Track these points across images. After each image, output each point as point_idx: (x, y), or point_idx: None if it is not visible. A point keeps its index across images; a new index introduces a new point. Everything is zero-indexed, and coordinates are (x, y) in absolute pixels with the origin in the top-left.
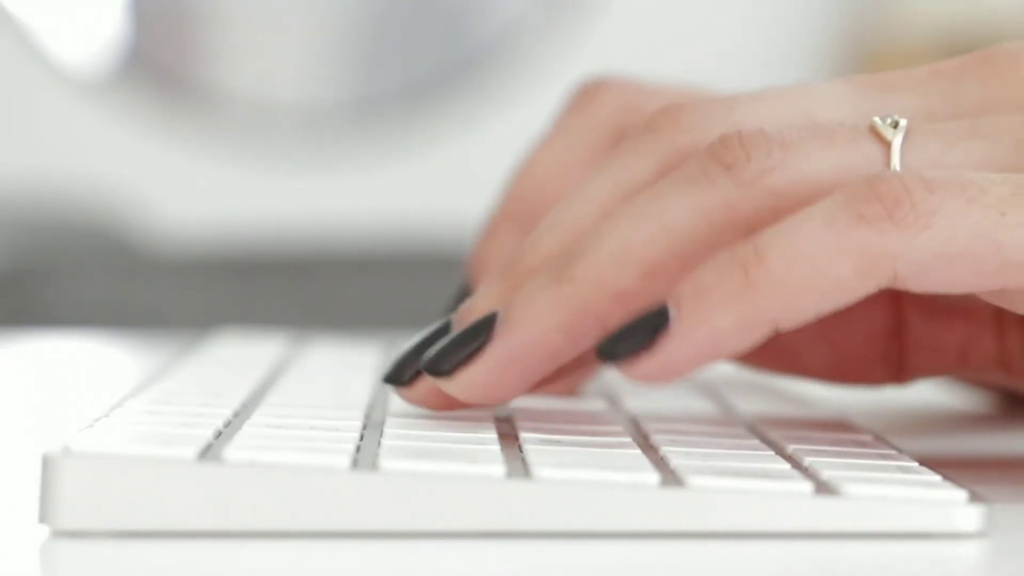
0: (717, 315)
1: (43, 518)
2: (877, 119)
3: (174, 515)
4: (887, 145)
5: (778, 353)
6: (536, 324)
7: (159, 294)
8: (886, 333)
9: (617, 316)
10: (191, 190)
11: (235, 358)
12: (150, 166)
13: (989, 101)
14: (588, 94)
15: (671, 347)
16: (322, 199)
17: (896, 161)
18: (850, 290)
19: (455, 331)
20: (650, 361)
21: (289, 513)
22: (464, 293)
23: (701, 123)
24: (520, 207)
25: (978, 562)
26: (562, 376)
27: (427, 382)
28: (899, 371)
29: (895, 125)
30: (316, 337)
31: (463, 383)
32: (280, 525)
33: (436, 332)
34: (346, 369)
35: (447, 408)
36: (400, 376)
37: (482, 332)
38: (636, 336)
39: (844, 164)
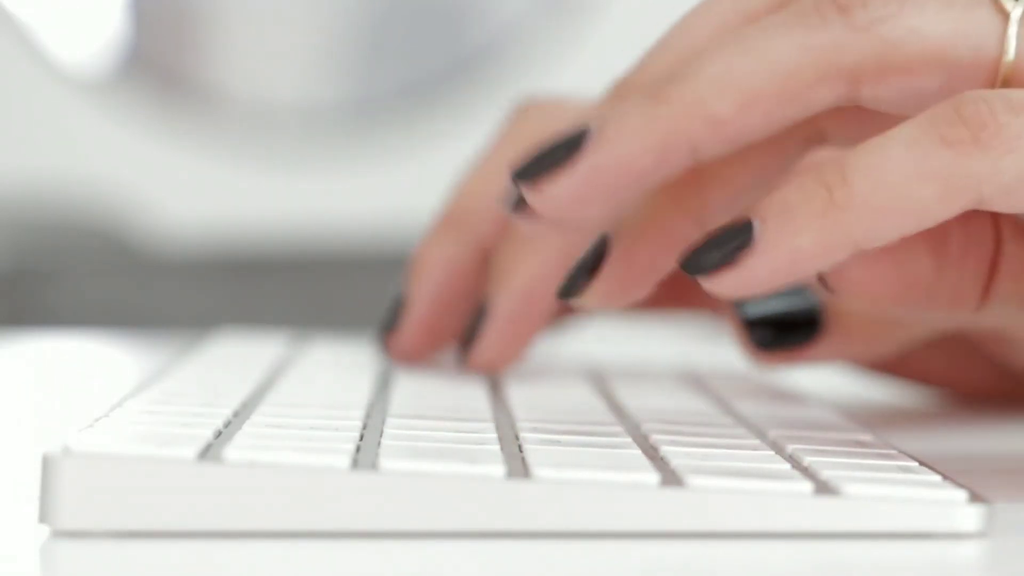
0: (800, 235)
1: (43, 518)
2: None
3: (174, 515)
4: (1005, 16)
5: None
6: (627, 141)
7: (159, 294)
8: (989, 248)
9: (709, 143)
10: (191, 190)
11: (235, 358)
12: (150, 166)
13: None
14: (519, 111)
15: (753, 263)
16: (322, 199)
17: (1012, 38)
18: (934, 213)
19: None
20: (732, 275)
21: (289, 513)
22: (397, 303)
23: None
24: (460, 214)
25: (978, 562)
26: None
27: (562, 184)
28: (987, 291)
29: None
30: (316, 337)
31: (547, 194)
32: (280, 525)
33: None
34: (346, 369)
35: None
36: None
37: (574, 144)
38: (720, 249)
39: (959, 29)
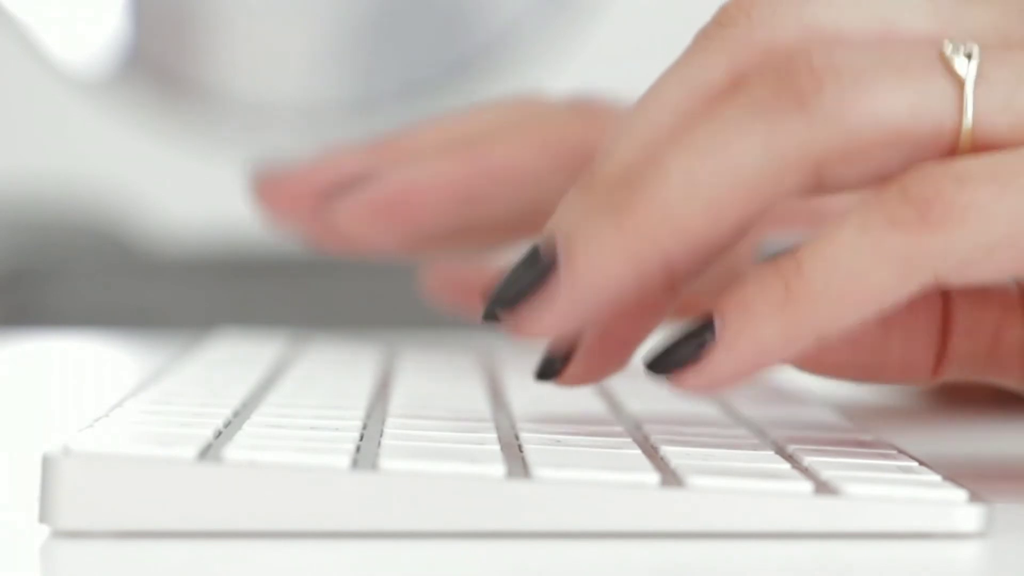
0: (761, 328)
1: (43, 518)
2: (950, 47)
3: (174, 515)
4: (960, 83)
5: (855, 364)
6: (601, 258)
7: (159, 294)
8: (937, 320)
9: (682, 255)
10: (191, 190)
11: (235, 358)
12: (150, 166)
13: None
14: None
15: (717, 360)
16: None
17: (969, 103)
18: (891, 295)
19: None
20: (697, 373)
21: (289, 513)
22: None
23: (774, 17)
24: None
25: (978, 562)
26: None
27: (535, 313)
28: (938, 361)
29: (968, 55)
30: (316, 337)
31: (527, 321)
32: (280, 525)
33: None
34: (346, 369)
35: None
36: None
37: (547, 268)
38: (682, 350)
39: (917, 104)
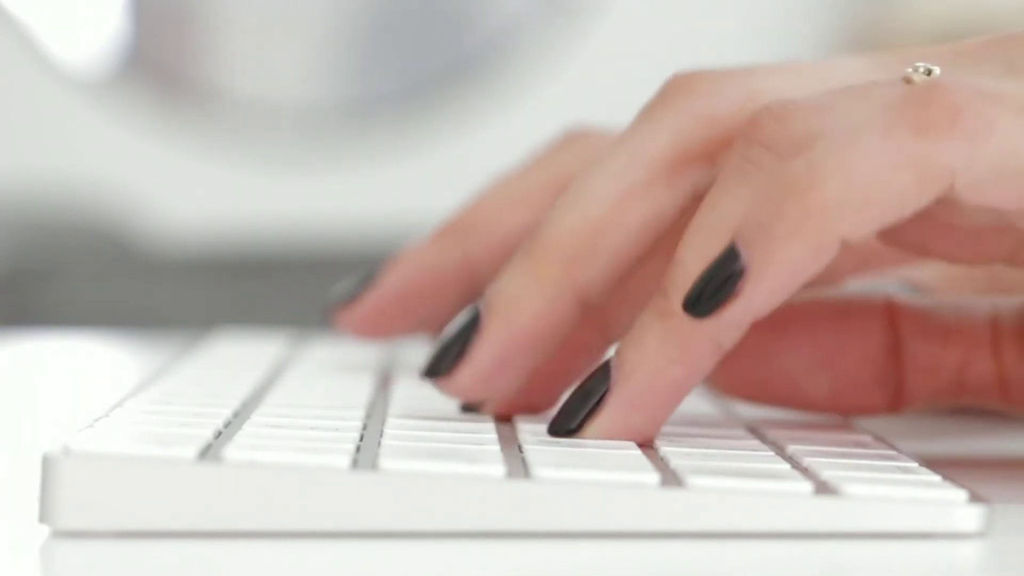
0: (788, 247)
1: (43, 518)
2: (910, 68)
3: (174, 515)
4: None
5: (776, 386)
6: (653, 363)
7: (159, 294)
8: (883, 353)
9: (728, 338)
10: (191, 190)
11: (235, 358)
12: (150, 166)
13: (1013, 68)
14: (566, 138)
15: (751, 290)
16: (321, 199)
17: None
18: (912, 201)
19: (487, 328)
20: (735, 308)
21: (289, 513)
22: (364, 279)
23: (716, 89)
24: (460, 226)
25: (978, 562)
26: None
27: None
28: (897, 396)
29: (928, 72)
30: (316, 337)
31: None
32: (280, 525)
33: (468, 322)
34: (346, 369)
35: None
36: (439, 367)
37: (601, 384)
38: (715, 288)
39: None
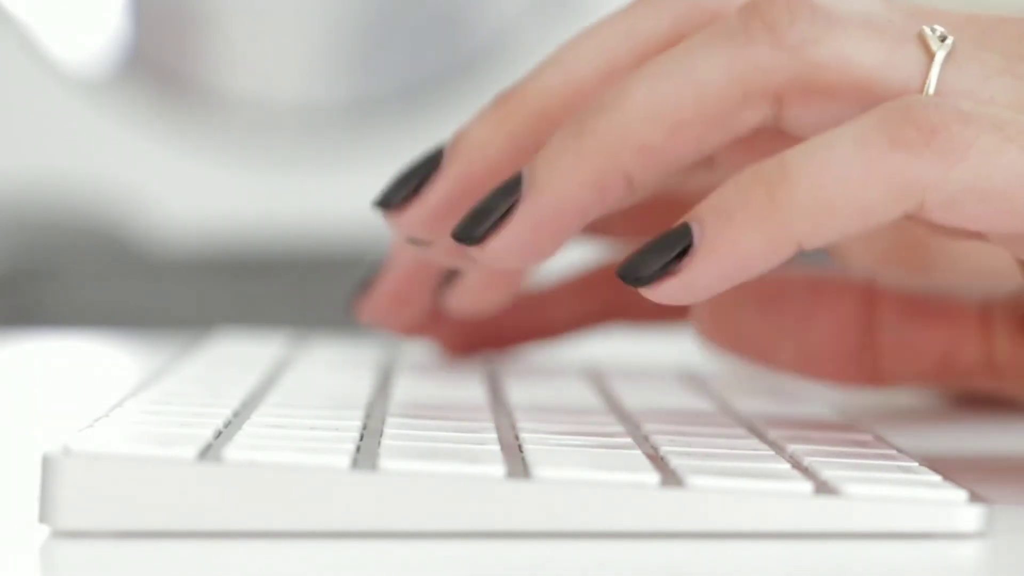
0: (742, 235)
1: (43, 518)
2: (927, 28)
3: (174, 515)
4: (931, 56)
5: (748, 342)
6: (562, 183)
7: (159, 294)
8: (856, 329)
9: (642, 171)
10: (191, 190)
11: (235, 358)
12: (150, 166)
13: (1021, 49)
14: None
15: (696, 269)
16: (322, 199)
17: (934, 77)
18: (878, 214)
19: (446, 168)
20: (675, 283)
21: (289, 513)
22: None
23: None
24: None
25: (978, 562)
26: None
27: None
28: (875, 373)
29: (943, 39)
30: (316, 337)
31: (495, 250)
32: (280, 525)
33: (429, 159)
34: (346, 369)
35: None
36: (391, 199)
37: (510, 193)
38: (659, 258)
39: (886, 60)
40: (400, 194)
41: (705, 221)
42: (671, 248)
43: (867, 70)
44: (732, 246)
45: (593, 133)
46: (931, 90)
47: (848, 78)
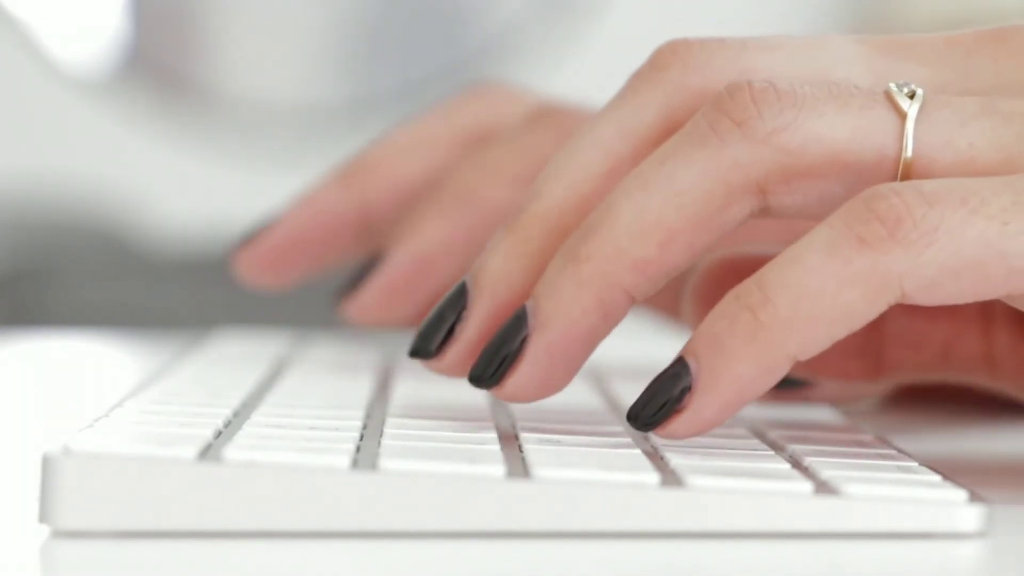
0: (736, 363)
1: (43, 518)
2: (893, 86)
3: (174, 515)
4: (903, 116)
5: None
6: (568, 312)
7: (159, 294)
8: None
9: (641, 285)
10: (191, 190)
11: (235, 358)
12: (150, 166)
13: (1001, 80)
14: (470, 92)
15: (699, 404)
16: None
17: (909, 138)
18: (862, 314)
19: (474, 306)
20: (682, 421)
21: (289, 513)
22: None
23: (710, 63)
24: (356, 170)
25: (978, 562)
26: None
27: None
28: (877, 367)
29: (911, 95)
30: (316, 337)
31: (514, 387)
32: (280, 525)
33: (453, 299)
34: (346, 369)
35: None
36: (427, 348)
37: (518, 331)
38: (662, 399)
39: (858, 129)
40: (435, 341)
41: (700, 354)
42: (672, 388)
43: (842, 143)
44: (730, 375)
45: (589, 259)
46: (908, 152)
47: (824, 156)
